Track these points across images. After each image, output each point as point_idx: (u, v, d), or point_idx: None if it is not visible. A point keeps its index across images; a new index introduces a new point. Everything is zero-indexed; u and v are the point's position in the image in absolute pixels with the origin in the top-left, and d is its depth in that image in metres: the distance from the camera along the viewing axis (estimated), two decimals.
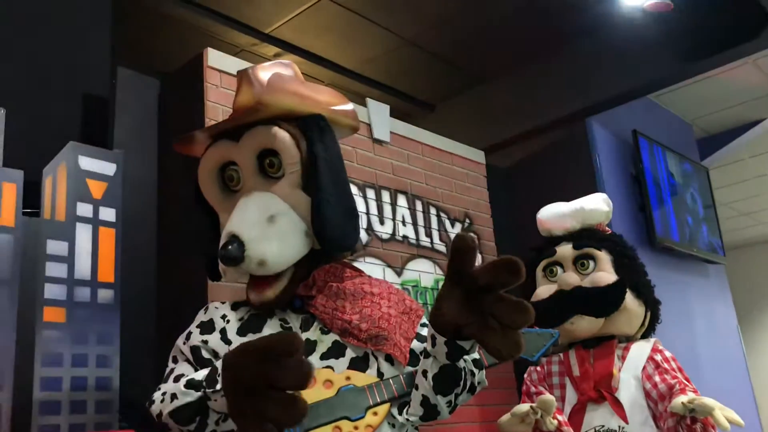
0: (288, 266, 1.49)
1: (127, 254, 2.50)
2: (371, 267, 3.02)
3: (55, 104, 2.61)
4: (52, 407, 2.07)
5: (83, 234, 2.40)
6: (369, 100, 3.27)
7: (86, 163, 2.49)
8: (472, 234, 1.49)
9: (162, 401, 1.33)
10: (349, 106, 1.82)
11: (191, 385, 1.33)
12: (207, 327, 1.54)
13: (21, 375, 2.15)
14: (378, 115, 3.29)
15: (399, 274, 3.19)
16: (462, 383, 1.32)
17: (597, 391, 2.48)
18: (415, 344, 1.51)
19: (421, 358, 1.36)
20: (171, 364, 1.54)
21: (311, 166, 1.52)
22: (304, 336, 1.45)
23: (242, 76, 1.69)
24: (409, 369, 1.44)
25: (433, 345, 1.27)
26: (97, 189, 2.50)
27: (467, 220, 3.70)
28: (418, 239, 3.38)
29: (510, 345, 1.06)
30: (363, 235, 3.12)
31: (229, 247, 1.41)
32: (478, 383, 1.39)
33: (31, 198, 2.35)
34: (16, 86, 2.52)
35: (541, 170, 4.40)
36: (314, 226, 1.49)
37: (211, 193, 1.68)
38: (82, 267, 2.35)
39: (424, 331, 1.54)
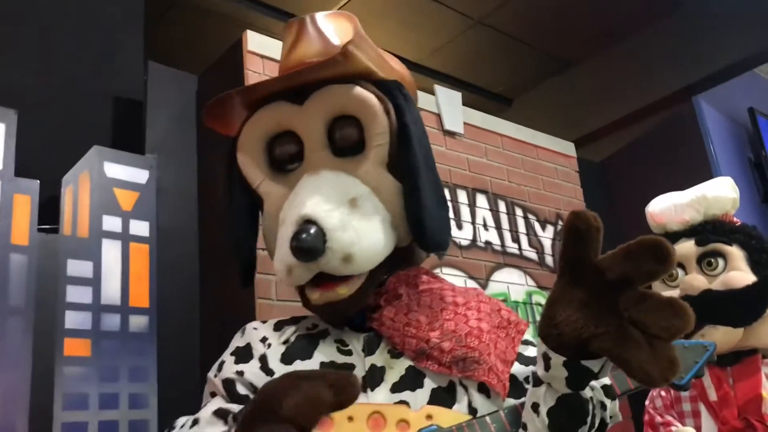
0: (376, 264, 1.22)
1: (164, 274, 2.25)
2: (450, 279, 2.63)
3: (77, 105, 2.35)
4: None
5: (110, 252, 2.18)
6: (438, 87, 2.97)
7: (113, 170, 2.24)
8: (592, 213, 1.06)
9: (182, 426, 1.12)
10: (410, 77, 1.50)
11: (221, 413, 1.12)
12: (243, 354, 1.27)
13: (37, 419, 1.91)
14: (449, 104, 2.98)
15: (483, 286, 2.93)
16: (589, 420, 1.03)
17: (743, 420, 2.02)
18: (518, 368, 1.23)
19: (528, 386, 1.08)
20: (204, 400, 1.26)
21: (403, 141, 1.26)
22: (369, 361, 1.19)
23: (300, 24, 1.40)
24: (511, 402, 1.16)
25: (547, 368, 0.99)
26: (126, 200, 2.24)
27: (560, 222, 3.40)
28: (503, 245, 3.12)
29: (662, 364, 0.83)
30: None
31: (304, 235, 1.13)
32: (611, 418, 1.10)
33: (48, 212, 2.09)
34: (34, 87, 2.27)
35: (641, 161, 3.99)
36: (410, 216, 1.24)
37: (255, 170, 1.36)
38: (110, 290, 2.15)
39: (529, 352, 1.28)
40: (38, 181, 2.03)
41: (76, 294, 2.04)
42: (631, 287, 0.86)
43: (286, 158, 1.30)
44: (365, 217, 1.20)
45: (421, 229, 1.23)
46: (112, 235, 2.16)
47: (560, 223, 3.41)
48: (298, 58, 1.31)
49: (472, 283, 2.92)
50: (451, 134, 3.06)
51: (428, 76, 3.67)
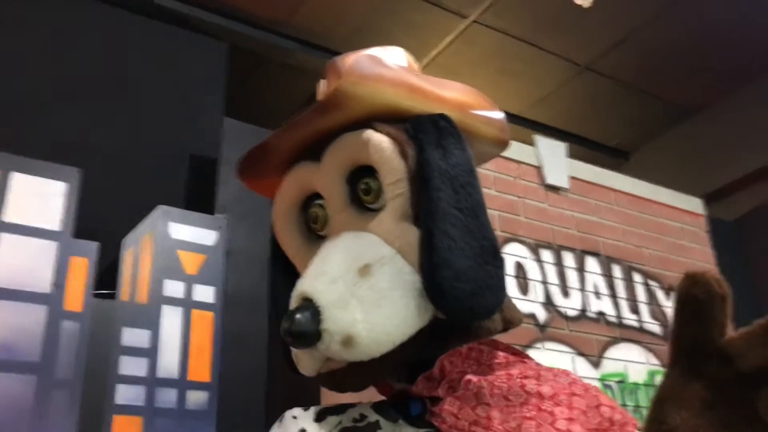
0: (393, 346, 1.00)
1: (229, 345, 2.06)
2: (554, 356, 2.52)
3: (148, 164, 2.27)
4: None
5: (171, 319, 2.04)
6: (538, 137, 2.81)
7: (179, 231, 2.12)
8: (714, 275, 0.74)
9: None
10: (497, 113, 1.20)
11: None
12: None
13: None
14: (551, 156, 2.73)
15: (596, 365, 2.68)
16: None
17: None
18: None
19: None
20: None
21: (423, 182, 1.06)
22: None
23: (328, 66, 1.17)
24: None
25: None
26: (191, 263, 2.10)
27: None
28: (619, 317, 2.80)
29: None
30: (540, 312, 2.62)
31: (297, 316, 0.96)
32: None
33: (106, 276, 1.97)
34: (103, 146, 2.20)
35: None
36: (423, 273, 1.01)
37: (289, 242, 1.24)
38: (168, 362, 2.00)
39: None
40: (97, 243, 1.93)
41: (130, 366, 1.92)
42: None
43: (318, 224, 1.13)
44: (378, 287, 1.01)
45: (435, 287, 1.02)
46: (173, 302, 2.04)
47: None
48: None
49: (582, 361, 2.58)
50: (554, 189, 2.80)
51: (532, 129, 3.42)
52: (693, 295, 0.70)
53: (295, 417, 1.18)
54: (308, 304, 0.96)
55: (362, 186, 1.08)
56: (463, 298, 1.00)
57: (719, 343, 0.69)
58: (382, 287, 1.00)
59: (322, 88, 2.41)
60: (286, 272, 1.25)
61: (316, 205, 1.14)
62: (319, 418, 1.14)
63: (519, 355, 1.13)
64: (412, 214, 1.05)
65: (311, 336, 0.94)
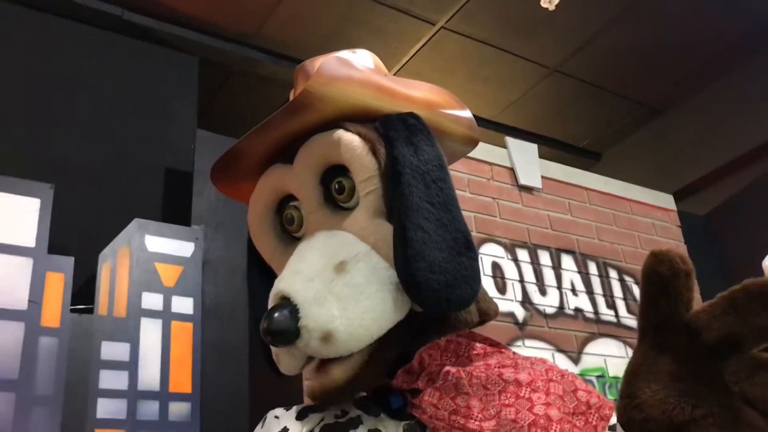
0: (372, 340, 1.02)
1: (209, 355, 2.05)
2: (534, 354, 2.36)
3: (122, 178, 2.26)
4: None
5: (150, 332, 2.02)
6: (509, 139, 2.80)
7: (156, 243, 2.10)
8: (678, 252, 0.76)
9: None
10: (465, 111, 1.23)
11: None
12: None
13: None
14: (523, 157, 2.78)
15: (575, 360, 2.66)
16: None
17: None
18: None
19: None
20: None
21: (394, 178, 1.08)
22: None
23: (297, 71, 1.21)
24: None
25: None
26: (169, 275, 2.08)
27: None
28: (597, 312, 2.83)
29: None
30: (519, 311, 2.67)
31: (276, 314, 0.96)
32: None
33: (84, 291, 1.95)
34: (74, 160, 2.19)
35: (753, 211, 3.61)
36: (398, 267, 1.03)
37: (265, 245, 1.22)
38: (148, 375, 1.98)
39: None
40: (73, 258, 1.91)
41: (111, 379, 1.89)
42: (739, 351, 0.68)
43: (293, 225, 1.16)
44: (354, 282, 1.02)
45: (410, 279, 1.03)
46: (152, 314, 2.03)
47: None
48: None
49: (561, 357, 2.61)
50: (527, 189, 2.84)
51: (504, 132, 3.45)
52: (658, 272, 0.71)
53: (277, 417, 1.19)
54: (286, 303, 0.96)
55: (335, 185, 1.09)
56: (438, 290, 1.01)
57: (685, 317, 0.71)
58: (358, 283, 1.02)
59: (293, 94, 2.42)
60: (262, 276, 1.25)
61: (291, 207, 1.15)
62: (300, 416, 1.14)
63: (496, 346, 1.15)
64: (385, 211, 1.07)
65: (290, 333, 0.95)
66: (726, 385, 0.69)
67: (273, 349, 1.09)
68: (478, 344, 1.12)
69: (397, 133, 1.10)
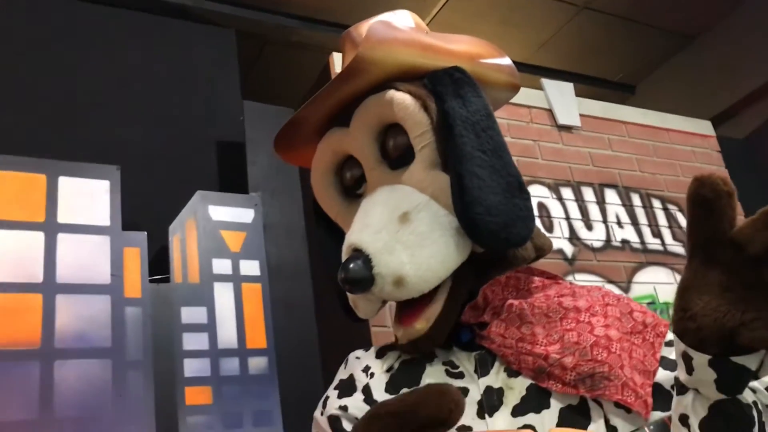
0: (440, 281, 1.09)
1: (279, 312, 2.17)
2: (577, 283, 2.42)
3: (179, 154, 2.37)
4: None
5: (223, 295, 2.15)
6: (545, 81, 2.79)
7: (219, 212, 2.22)
8: (719, 175, 0.83)
9: None
10: (505, 59, 1.28)
11: None
12: (346, 387, 1.19)
13: None
14: (560, 97, 2.79)
15: (626, 290, 2.69)
16: (756, 430, 0.85)
17: None
18: (663, 375, 1.06)
19: (674, 395, 0.92)
20: None
21: (446, 130, 1.13)
22: (484, 383, 1.08)
23: (344, 38, 1.29)
24: (659, 415, 1.02)
25: (690, 371, 0.83)
26: (234, 241, 2.20)
27: None
28: (643, 242, 2.86)
29: None
30: (567, 247, 2.69)
31: (351, 265, 1.05)
32: None
33: (158, 262, 2.09)
34: (134, 142, 2.31)
35: None
36: (458, 213, 1.09)
37: (330, 204, 1.28)
38: (226, 334, 2.11)
39: (674, 354, 1.00)
40: (146, 233, 2.03)
41: (193, 341, 2.03)
42: None
43: (354, 184, 1.23)
44: (418, 231, 1.09)
45: (470, 223, 1.09)
46: (223, 278, 2.14)
47: None
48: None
49: (611, 288, 2.65)
50: (567, 128, 2.84)
51: (539, 74, 3.45)
52: (702, 195, 0.74)
53: (358, 357, 1.28)
54: (359, 254, 1.04)
55: (390, 142, 1.17)
56: (497, 231, 1.09)
57: (730, 233, 0.73)
58: (422, 231, 1.08)
59: (338, 59, 2.53)
60: (329, 233, 1.34)
61: (351, 167, 1.24)
62: (379, 354, 1.23)
63: (553, 278, 1.23)
64: (440, 162, 1.13)
65: (366, 281, 1.03)
66: None
67: (350, 297, 1.18)
68: (536, 278, 1.20)
69: (444, 87, 1.17)
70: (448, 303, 1.10)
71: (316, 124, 1.26)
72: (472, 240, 1.10)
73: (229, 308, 2.11)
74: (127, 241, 2.03)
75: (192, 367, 1.97)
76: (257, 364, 2.07)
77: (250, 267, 2.18)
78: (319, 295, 2.37)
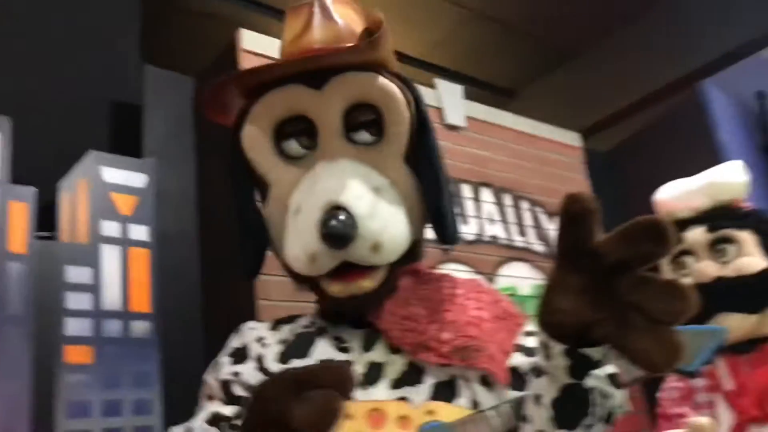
0: (399, 256, 1.19)
1: (165, 278, 2.20)
2: (457, 275, 2.59)
3: (74, 111, 2.33)
4: None
5: (110, 257, 2.14)
6: (438, 81, 2.92)
7: (111, 174, 2.21)
8: (587, 195, 1.01)
9: None
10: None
11: (214, 421, 1.11)
12: (239, 354, 1.26)
13: (40, 429, 1.87)
14: (450, 98, 2.93)
15: (490, 281, 2.88)
16: (593, 410, 0.97)
17: (761, 409, 1.93)
18: (518, 359, 1.20)
19: (531, 377, 1.05)
20: (202, 403, 1.24)
21: (423, 134, 1.23)
22: (367, 358, 1.18)
23: (309, 10, 1.29)
24: (516, 394, 1.12)
25: (548, 357, 0.95)
26: (125, 204, 2.20)
27: None
28: (510, 239, 3.08)
29: (666, 349, 0.78)
30: None
31: (334, 222, 1.09)
32: (618, 408, 1.02)
33: (45, 219, 2.06)
34: (28, 93, 2.24)
35: (649, 150, 3.89)
36: (433, 209, 1.23)
37: (262, 154, 1.26)
38: (110, 296, 2.11)
39: (532, 342, 1.23)
40: (34, 188, 2.00)
41: (76, 301, 2.01)
42: (631, 270, 0.81)
43: (297, 143, 1.25)
44: (389, 206, 1.17)
45: (443, 222, 1.22)
46: (111, 241, 2.13)
47: None
48: (308, 44, 1.24)
49: (479, 279, 2.87)
50: (453, 128, 3.00)
51: (429, 71, 3.61)
52: (573, 210, 0.82)
53: (251, 328, 1.35)
54: (343, 213, 1.08)
55: (365, 120, 1.23)
56: (454, 228, 1.24)
57: (591, 244, 0.83)
58: (392, 206, 1.19)
59: (247, 36, 2.54)
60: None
61: (300, 127, 1.28)
62: (273, 327, 1.32)
63: (438, 273, 1.38)
64: (405, 156, 1.25)
65: (348, 238, 1.07)
66: (620, 296, 0.82)
67: (309, 248, 1.17)
68: (422, 270, 1.35)
69: (418, 94, 1.29)
70: (391, 273, 1.19)
71: (264, 81, 1.27)
72: (438, 232, 1.24)
73: (116, 271, 2.11)
74: (14, 195, 1.99)
75: (73, 327, 1.97)
76: (140, 327, 2.09)
77: (140, 232, 2.19)
78: (207, 264, 2.43)
